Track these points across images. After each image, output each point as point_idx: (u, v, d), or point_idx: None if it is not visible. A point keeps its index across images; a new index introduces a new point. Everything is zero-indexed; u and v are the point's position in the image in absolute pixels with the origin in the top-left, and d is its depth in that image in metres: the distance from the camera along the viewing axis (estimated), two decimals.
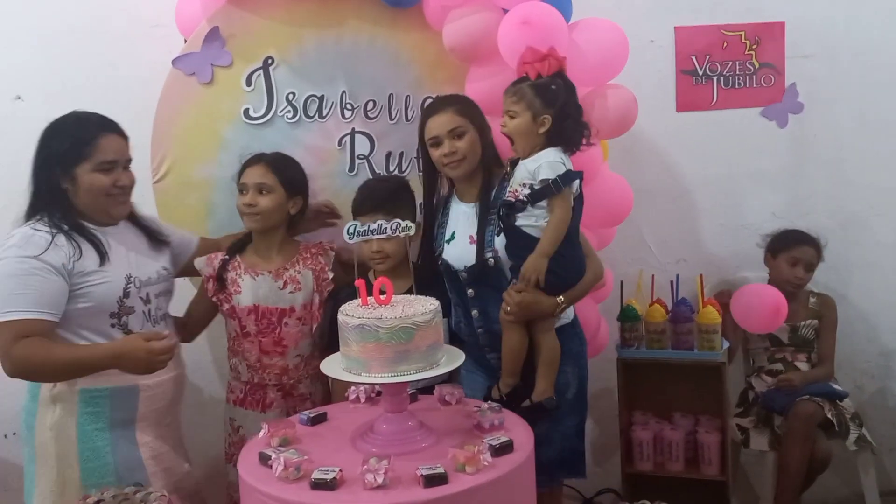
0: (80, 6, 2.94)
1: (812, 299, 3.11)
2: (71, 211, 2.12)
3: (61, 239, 2.06)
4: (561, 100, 2.16)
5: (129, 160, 2.19)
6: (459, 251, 2.32)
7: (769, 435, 2.93)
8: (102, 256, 2.09)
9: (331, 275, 2.45)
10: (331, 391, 2.37)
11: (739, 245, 3.26)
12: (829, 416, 2.83)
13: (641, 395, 2.85)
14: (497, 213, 2.24)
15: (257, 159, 2.44)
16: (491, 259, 2.25)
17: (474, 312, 2.33)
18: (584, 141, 2.23)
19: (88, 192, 2.10)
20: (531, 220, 2.18)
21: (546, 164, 2.14)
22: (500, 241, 2.25)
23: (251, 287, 2.40)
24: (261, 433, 1.90)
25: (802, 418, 2.79)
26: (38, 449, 2.12)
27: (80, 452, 2.08)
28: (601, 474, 3.22)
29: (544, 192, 2.14)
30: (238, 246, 2.46)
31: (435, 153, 2.32)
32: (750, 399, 3.07)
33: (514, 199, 2.18)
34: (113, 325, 2.11)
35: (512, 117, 2.18)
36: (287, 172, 2.44)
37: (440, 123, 2.29)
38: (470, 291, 2.32)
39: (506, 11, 2.35)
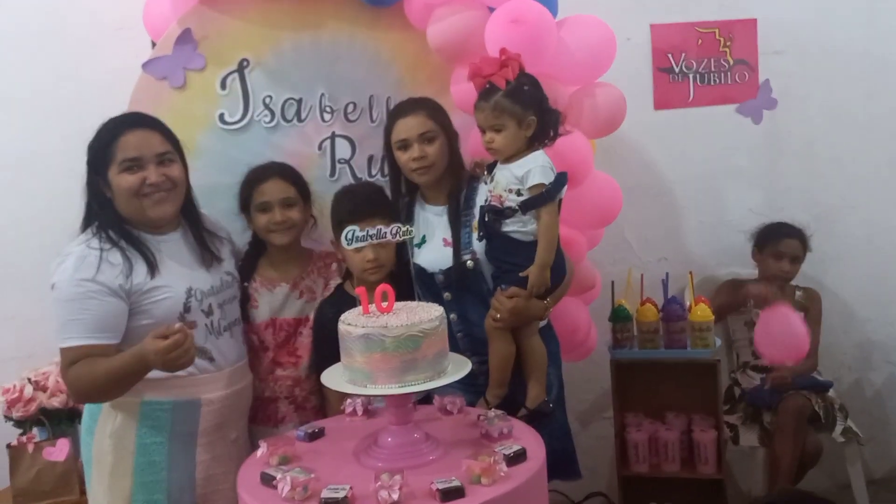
0: (38, 10, 2.82)
1: (798, 293, 3.13)
2: (119, 220, 2.03)
3: (115, 256, 1.97)
4: (536, 96, 2.13)
5: (162, 153, 2.04)
6: (433, 254, 2.27)
7: (758, 431, 2.93)
8: (152, 267, 2.00)
9: (336, 281, 2.37)
10: (326, 404, 2.28)
11: (719, 242, 3.29)
12: (816, 408, 2.84)
13: (634, 396, 2.82)
14: (481, 218, 2.19)
15: (266, 173, 2.35)
16: (470, 262, 2.21)
17: (452, 317, 2.25)
18: (561, 127, 2.18)
19: (119, 195, 2.01)
20: (518, 226, 2.13)
21: (538, 169, 2.09)
22: (478, 244, 2.21)
23: (268, 301, 2.33)
24: (258, 452, 1.81)
25: (792, 412, 2.80)
26: (94, 455, 2.08)
27: (135, 465, 2.02)
28: (589, 478, 3.17)
29: (538, 199, 2.09)
30: (250, 266, 2.36)
31: (402, 156, 2.26)
32: (736, 396, 3.07)
33: (500, 206, 2.13)
34: None
35: (498, 131, 2.11)
36: (300, 181, 2.38)
37: (410, 126, 2.24)
38: (447, 295, 2.26)
39: (492, 10, 2.30)
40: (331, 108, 2.56)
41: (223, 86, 2.52)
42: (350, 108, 2.57)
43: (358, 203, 2.28)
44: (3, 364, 2.75)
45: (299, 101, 2.55)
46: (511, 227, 2.13)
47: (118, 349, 1.94)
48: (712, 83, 3.22)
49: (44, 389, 2.57)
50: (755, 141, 3.28)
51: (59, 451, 2.53)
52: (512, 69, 2.09)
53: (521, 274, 2.12)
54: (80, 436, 2.53)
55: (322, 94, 2.55)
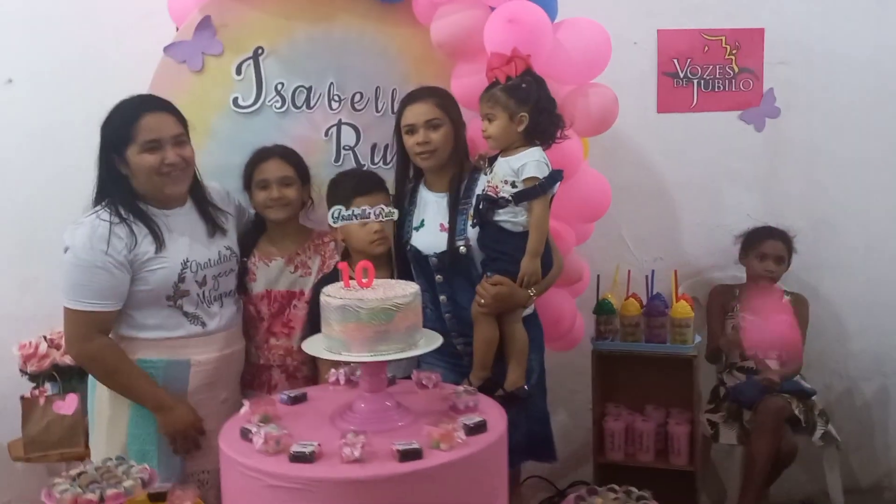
0: None
1: (786, 297, 3.19)
2: (132, 196, 2.18)
3: (122, 229, 2.14)
4: (534, 96, 2.23)
5: (177, 135, 2.20)
6: (430, 238, 2.39)
7: (738, 429, 3.00)
8: (159, 242, 2.17)
9: (335, 260, 2.50)
10: (319, 376, 2.42)
11: (715, 244, 3.34)
12: (796, 412, 2.91)
13: (615, 387, 2.93)
14: (476, 206, 2.30)
15: (268, 154, 2.49)
16: (463, 247, 2.33)
17: (442, 298, 2.39)
18: (559, 132, 2.30)
19: (140, 173, 2.16)
20: (509, 216, 2.25)
21: (533, 163, 2.20)
22: (472, 231, 2.32)
23: (264, 273, 2.47)
24: (242, 410, 1.95)
25: (770, 413, 2.86)
26: (96, 407, 2.27)
27: (130, 417, 2.19)
28: (575, 466, 3.28)
29: (530, 192, 2.21)
30: (251, 242, 2.51)
31: (409, 140, 2.38)
32: (721, 395, 3.14)
33: (494, 195, 2.25)
34: (169, 306, 2.20)
35: (490, 120, 2.24)
36: (300, 164, 2.52)
37: (418, 112, 2.36)
38: (439, 277, 2.38)
39: (493, 9, 2.41)
40: (339, 97, 2.69)
41: (238, 71, 2.67)
42: (357, 97, 2.70)
43: (359, 181, 2.45)
44: (24, 323, 2.94)
45: (309, 89, 2.68)
46: (503, 216, 2.25)
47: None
48: (716, 89, 3.28)
49: (57, 347, 2.76)
50: (756, 148, 3.33)
51: (68, 405, 2.72)
52: (516, 66, 2.21)
53: None
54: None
55: (331, 84, 2.68)
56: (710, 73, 3.27)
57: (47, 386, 2.79)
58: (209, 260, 2.29)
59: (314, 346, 1.91)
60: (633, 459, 2.84)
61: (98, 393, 2.25)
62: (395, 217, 2.04)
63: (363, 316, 1.78)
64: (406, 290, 1.85)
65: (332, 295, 1.83)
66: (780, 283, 3.18)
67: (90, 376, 2.32)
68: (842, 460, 3.10)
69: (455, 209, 2.37)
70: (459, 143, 2.42)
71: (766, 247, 3.09)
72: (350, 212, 1.96)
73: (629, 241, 3.33)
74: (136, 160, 2.15)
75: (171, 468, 2.19)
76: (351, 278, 1.89)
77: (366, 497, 1.66)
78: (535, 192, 2.21)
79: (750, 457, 2.88)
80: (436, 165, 2.40)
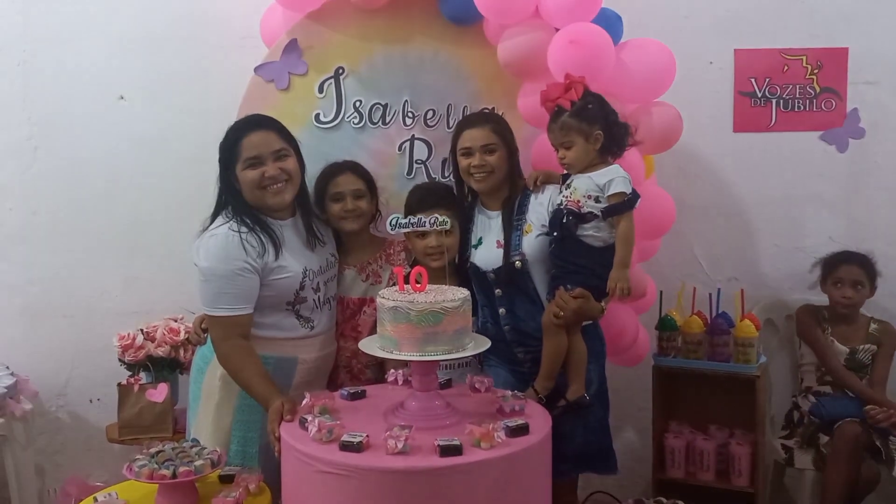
0: (180, 16, 3.26)
1: (873, 325, 3.07)
2: (248, 207, 2.37)
3: (252, 238, 2.31)
4: (600, 112, 2.31)
5: (278, 150, 2.37)
6: (487, 255, 2.49)
7: (814, 454, 2.91)
8: (277, 249, 2.35)
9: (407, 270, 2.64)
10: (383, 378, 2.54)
11: (793, 266, 3.27)
12: (876, 443, 2.81)
13: (679, 405, 2.92)
14: (558, 220, 2.37)
15: (340, 169, 2.64)
16: (518, 262, 2.41)
17: (501, 311, 2.48)
18: (630, 139, 2.37)
19: (245, 187, 2.36)
20: (594, 231, 2.32)
21: (620, 179, 2.29)
22: (527, 245, 2.41)
23: (339, 280, 2.62)
24: (303, 402, 2.10)
25: (847, 438, 2.77)
26: (204, 390, 2.43)
27: (237, 405, 2.36)
28: (641, 483, 3.27)
29: (620, 207, 2.28)
30: None
31: (464, 162, 2.49)
32: (795, 420, 3.06)
33: (578, 210, 2.32)
34: (287, 310, 2.39)
35: (568, 148, 2.32)
36: (368, 177, 2.67)
37: (475, 137, 2.47)
38: (497, 291, 2.48)
39: (557, 30, 2.49)
40: (413, 113, 2.85)
41: (321, 90, 2.86)
42: (430, 114, 2.85)
43: (423, 195, 2.58)
44: (125, 317, 3.21)
45: (385, 106, 2.85)
46: (587, 231, 2.33)
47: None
48: (796, 109, 3.23)
49: (152, 340, 3.01)
50: (839, 169, 3.25)
51: (159, 393, 2.96)
52: (576, 90, 2.30)
53: None
54: (178, 383, 2.95)
55: (406, 101, 2.84)
56: (790, 92, 3.23)
57: (142, 375, 3.04)
58: (320, 267, 2.47)
59: (370, 345, 2.04)
60: (694, 478, 2.82)
61: (208, 378, 2.41)
62: (448, 226, 2.15)
63: (413, 317, 1.90)
64: (456, 296, 1.96)
65: (387, 297, 1.96)
66: (865, 311, 3.09)
67: (194, 362, 2.52)
68: None
69: (510, 226, 2.47)
70: (512, 166, 2.52)
71: (841, 272, 3.00)
72: (407, 220, 2.10)
73: (702, 260, 3.31)
74: (242, 176, 2.35)
75: (270, 456, 2.26)
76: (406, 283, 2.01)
77: (407, 487, 1.78)
78: (623, 206, 2.29)
79: (827, 483, 2.78)
80: (489, 187, 2.50)
